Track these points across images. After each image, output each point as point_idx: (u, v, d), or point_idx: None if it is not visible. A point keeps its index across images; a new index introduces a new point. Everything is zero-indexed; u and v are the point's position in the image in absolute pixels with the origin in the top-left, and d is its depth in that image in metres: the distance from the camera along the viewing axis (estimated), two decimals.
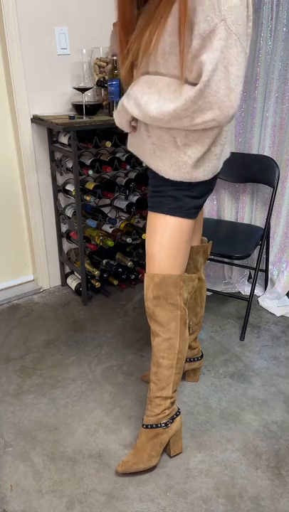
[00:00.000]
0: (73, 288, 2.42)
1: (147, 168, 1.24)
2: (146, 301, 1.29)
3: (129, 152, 2.27)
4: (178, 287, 1.27)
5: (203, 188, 1.21)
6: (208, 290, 2.33)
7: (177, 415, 1.41)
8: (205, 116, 0.98)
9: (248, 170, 2.14)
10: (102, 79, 2.11)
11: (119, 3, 1.05)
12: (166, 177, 1.15)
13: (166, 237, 1.22)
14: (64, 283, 2.53)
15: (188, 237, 1.25)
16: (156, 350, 1.33)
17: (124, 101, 1.12)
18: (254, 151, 2.16)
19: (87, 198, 2.14)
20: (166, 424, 1.38)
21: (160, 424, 1.37)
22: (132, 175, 2.34)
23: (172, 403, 1.38)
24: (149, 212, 1.25)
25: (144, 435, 1.39)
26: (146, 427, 1.38)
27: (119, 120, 1.20)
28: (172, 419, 1.40)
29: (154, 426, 1.37)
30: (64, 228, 2.42)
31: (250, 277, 2.48)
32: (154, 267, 1.26)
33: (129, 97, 1.10)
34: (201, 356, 1.74)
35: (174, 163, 1.12)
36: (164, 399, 1.36)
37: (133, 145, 1.25)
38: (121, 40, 1.09)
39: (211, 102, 0.95)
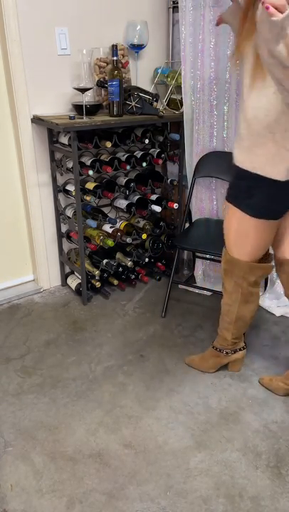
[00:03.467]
0: (73, 288, 2.42)
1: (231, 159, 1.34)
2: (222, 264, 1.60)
3: (129, 152, 2.27)
4: (242, 271, 1.51)
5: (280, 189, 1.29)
6: (208, 290, 2.33)
7: (241, 350, 1.79)
8: None
9: None
10: (102, 79, 2.11)
11: None
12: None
13: (234, 227, 1.44)
14: (64, 283, 2.53)
15: (254, 234, 1.39)
16: (223, 304, 1.67)
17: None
18: None
19: (87, 198, 2.14)
20: (227, 353, 1.77)
21: (222, 350, 1.77)
22: (132, 175, 2.34)
23: (234, 343, 1.75)
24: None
25: (209, 351, 1.81)
26: (213, 347, 1.80)
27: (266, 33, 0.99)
28: (234, 351, 1.78)
29: (218, 350, 1.78)
30: (64, 228, 2.42)
31: None
32: (228, 246, 1.53)
33: None
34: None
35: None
36: (224, 339, 1.73)
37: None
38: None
39: None
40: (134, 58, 2.30)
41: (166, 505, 1.29)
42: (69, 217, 2.26)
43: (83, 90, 1.97)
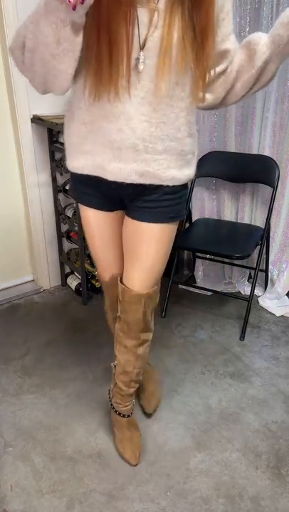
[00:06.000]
0: (73, 288, 2.42)
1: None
2: None
3: None
4: None
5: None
6: (208, 290, 2.33)
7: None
8: None
9: (248, 170, 2.14)
10: None
11: None
12: None
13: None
14: (64, 283, 2.53)
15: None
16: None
17: None
18: (254, 151, 2.16)
19: None
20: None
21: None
22: None
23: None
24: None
25: None
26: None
27: None
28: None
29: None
30: (64, 228, 2.42)
31: (250, 277, 2.48)
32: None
33: None
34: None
35: None
36: None
37: None
38: None
39: None
40: None
41: (166, 505, 1.29)
42: (69, 217, 2.26)
43: None
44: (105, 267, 1.33)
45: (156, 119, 1.01)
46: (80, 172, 1.15)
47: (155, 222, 1.17)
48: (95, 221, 1.24)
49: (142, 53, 0.94)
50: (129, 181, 1.08)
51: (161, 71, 0.96)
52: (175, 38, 0.93)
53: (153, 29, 0.93)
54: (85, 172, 1.13)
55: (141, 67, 0.95)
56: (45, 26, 0.84)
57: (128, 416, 1.47)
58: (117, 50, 0.92)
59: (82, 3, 0.77)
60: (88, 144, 1.08)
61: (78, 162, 1.13)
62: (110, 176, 1.08)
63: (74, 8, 0.78)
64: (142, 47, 0.94)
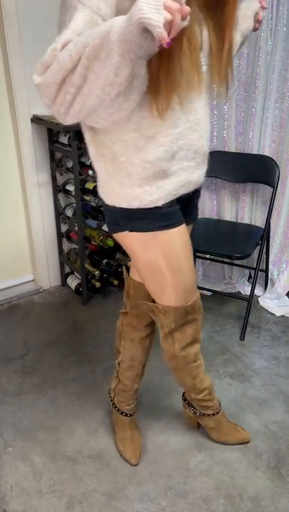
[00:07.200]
0: (73, 288, 2.42)
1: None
2: None
3: None
4: None
5: None
6: (208, 290, 2.33)
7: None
8: None
9: (248, 170, 2.14)
10: None
11: None
12: None
13: None
14: (64, 283, 2.52)
15: None
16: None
17: None
18: (254, 151, 2.16)
19: (87, 198, 2.14)
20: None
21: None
22: None
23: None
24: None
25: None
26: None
27: None
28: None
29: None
30: (64, 228, 2.42)
31: (250, 277, 2.48)
32: None
33: None
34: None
35: None
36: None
37: None
38: None
39: None
40: None
41: (166, 505, 1.29)
42: (69, 217, 2.26)
43: None
44: (191, 289, 1.15)
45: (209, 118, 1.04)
46: (161, 204, 1.00)
47: (191, 223, 1.23)
48: (184, 238, 1.09)
49: (201, 54, 0.93)
50: (199, 186, 1.09)
51: (215, 71, 0.96)
52: (212, 36, 0.93)
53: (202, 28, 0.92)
54: (168, 199, 1.01)
55: (205, 67, 0.95)
56: (118, 65, 0.70)
57: (130, 415, 1.48)
58: (194, 49, 0.88)
59: (172, 41, 0.67)
60: (174, 164, 0.97)
61: (159, 192, 0.99)
62: (192, 187, 1.06)
63: (168, 46, 0.66)
64: (201, 48, 0.92)
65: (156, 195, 0.98)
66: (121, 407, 1.47)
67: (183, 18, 0.66)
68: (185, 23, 0.67)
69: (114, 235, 1.13)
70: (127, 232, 1.06)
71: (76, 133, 1.93)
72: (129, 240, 1.09)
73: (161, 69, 0.81)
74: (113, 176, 0.98)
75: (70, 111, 0.81)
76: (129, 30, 0.66)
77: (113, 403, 1.49)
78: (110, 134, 0.94)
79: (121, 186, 0.98)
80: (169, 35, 0.66)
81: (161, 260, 1.07)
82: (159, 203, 0.99)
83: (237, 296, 2.33)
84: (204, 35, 0.92)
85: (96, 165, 1.03)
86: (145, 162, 0.94)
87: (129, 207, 1.00)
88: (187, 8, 0.66)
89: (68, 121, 0.85)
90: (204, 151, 1.04)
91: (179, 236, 1.07)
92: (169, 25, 0.65)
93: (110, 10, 0.79)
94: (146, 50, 0.68)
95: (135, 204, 0.99)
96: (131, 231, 1.05)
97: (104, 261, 2.32)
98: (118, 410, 1.47)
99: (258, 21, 1.18)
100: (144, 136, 0.92)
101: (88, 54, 0.72)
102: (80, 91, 0.77)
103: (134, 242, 1.08)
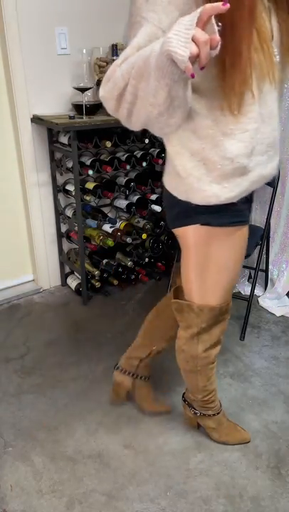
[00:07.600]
0: (73, 288, 2.42)
1: None
2: None
3: (129, 152, 2.26)
4: None
5: None
6: None
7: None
8: None
9: None
10: (102, 79, 2.11)
11: None
12: None
13: None
14: (64, 283, 2.52)
15: None
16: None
17: None
18: None
19: (87, 198, 2.14)
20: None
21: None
22: (132, 175, 2.34)
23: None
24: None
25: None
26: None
27: None
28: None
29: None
30: (64, 228, 2.42)
31: (250, 277, 2.48)
32: None
33: None
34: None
35: None
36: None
37: None
38: None
39: None
40: None
41: (166, 505, 1.29)
42: (69, 217, 2.26)
43: (83, 90, 1.96)
44: (232, 288, 1.21)
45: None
46: (236, 200, 1.01)
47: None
48: (247, 236, 1.15)
49: (273, 44, 0.90)
50: (271, 179, 1.06)
51: (287, 59, 0.94)
52: (281, 23, 0.91)
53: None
54: (243, 195, 1.02)
55: (278, 57, 0.92)
56: (155, 88, 0.76)
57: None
58: (264, 40, 0.86)
59: (204, 67, 0.70)
60: (252, 160, 0.97)
61: (237, 189, 0.99)
62: (265, 181, 1.04)
63: (193, 76, 0.70)
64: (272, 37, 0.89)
65: (234, 192, 0.98)
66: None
67: (212, 48, 0.68)
68: (215, 52, 0.69)
69: (176, 230, 1.12)
70: (196, 226, 1.06)
71: (76, 133, 1.93)
72: (193, 234, 1.08)
73: (231, 66, 0.82)
74: (192, 173, 0.99)
75: (131, 122, 0.88)
76: (160, 58, 0.71)
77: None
78: (187, 132, 0.95)
79: (199, 183, 0.98)
80: (199, 64, 0.69)
81: (221, 256, 1.09)
82: (235, 200, 1.00)
83: (237, 296, 2.33)
84: (273, 24, 0.90)
85: (173, 163, 1.03)
86: (224, 159, 0.94)
87: (206, 204, 1.00)
88: (217, 38, 0.67)
89: (133, 128, 0.91)
90: (276, 144, 1.02)
91: (247, 233, 1.11)
92: (195, 58, 0.68)
93: (170, 22, 0.80)
94: (179, 76, 0.72)
95: (212, 201, 0.99)
96: (203, 224, 1.05)
97: (105, 261, 2.32)
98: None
99: None
100: (221, 132, 0.92)
101: (134, 75, 0.79)
102: (133, 107, 0.83)
103: (198, 236, 1.08)
